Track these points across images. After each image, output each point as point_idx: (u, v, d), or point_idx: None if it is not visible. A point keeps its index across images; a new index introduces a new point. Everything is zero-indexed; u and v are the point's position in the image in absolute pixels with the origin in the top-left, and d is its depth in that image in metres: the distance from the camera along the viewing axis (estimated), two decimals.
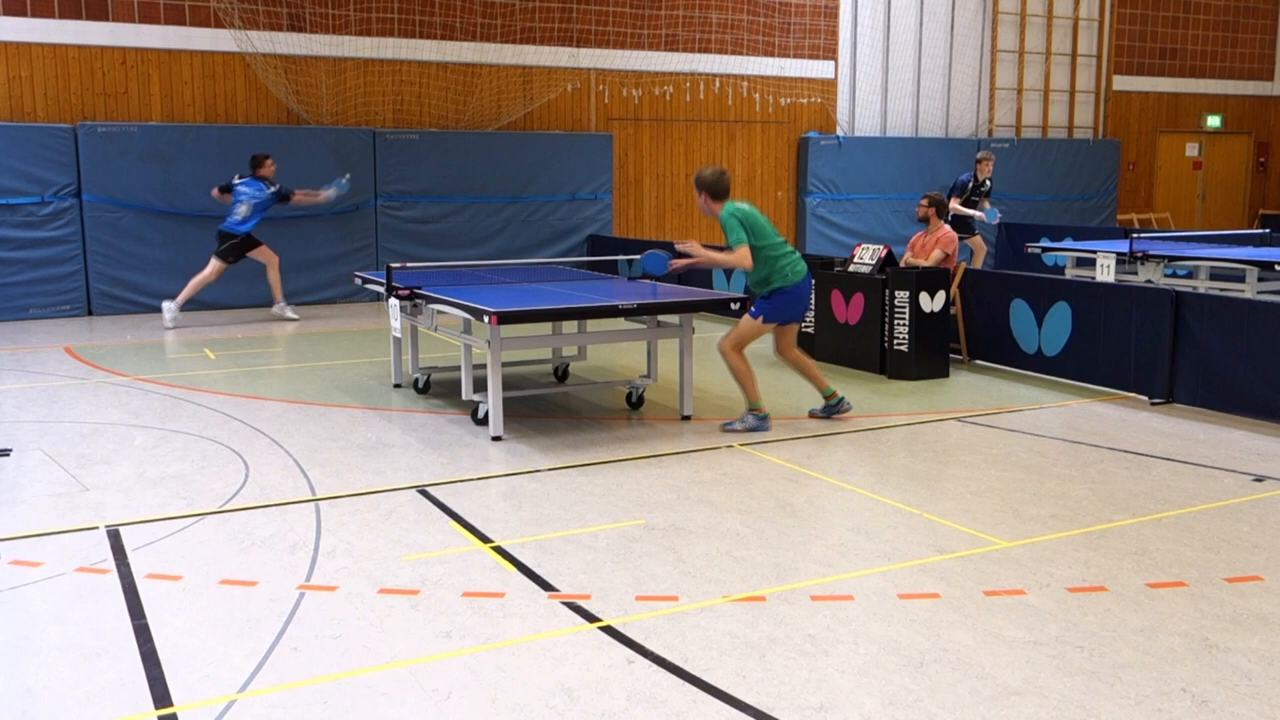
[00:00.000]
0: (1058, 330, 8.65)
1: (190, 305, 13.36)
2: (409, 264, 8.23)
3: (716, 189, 7.06)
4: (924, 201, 10.01)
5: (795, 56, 17.49)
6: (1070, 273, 12.46)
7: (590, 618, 4.16)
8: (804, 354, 7.49)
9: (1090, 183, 19.89)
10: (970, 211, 12.81)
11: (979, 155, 13.20)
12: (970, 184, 13.03)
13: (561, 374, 8.93)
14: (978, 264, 13.04)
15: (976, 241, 13.10)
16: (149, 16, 13.35)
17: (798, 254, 7.18)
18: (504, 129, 15.31)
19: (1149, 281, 11.09)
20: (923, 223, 10.03)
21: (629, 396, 8.00)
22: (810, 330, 9.82)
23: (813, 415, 7.56)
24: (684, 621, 4.11)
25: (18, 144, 12.40)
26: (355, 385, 8.70)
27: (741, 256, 6.89)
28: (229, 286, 13.57)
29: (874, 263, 9.32)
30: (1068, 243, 13.90)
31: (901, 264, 9.59)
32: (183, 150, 13.20)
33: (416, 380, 8.41)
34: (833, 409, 7.46)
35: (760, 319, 7.12)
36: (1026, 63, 19.50)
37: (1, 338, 11.27)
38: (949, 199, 12.58)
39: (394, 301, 7.72)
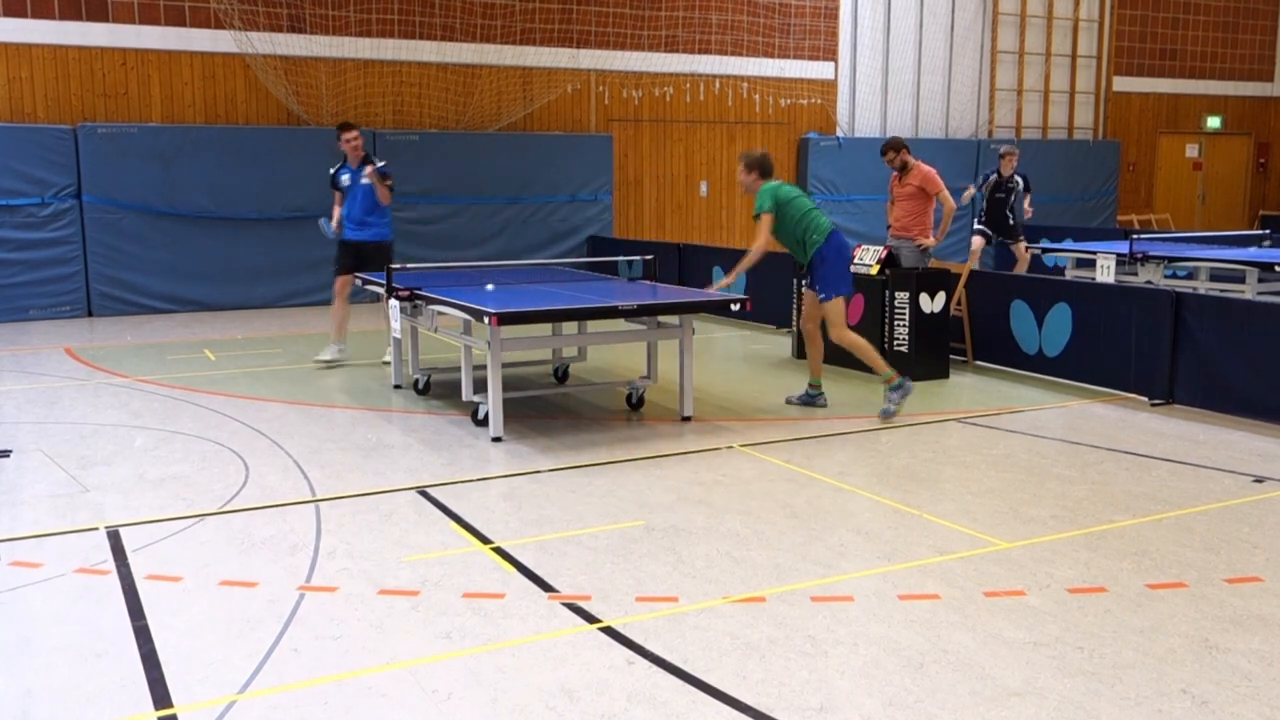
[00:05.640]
0: (1058, 331, 8.65)
1: (190, 305, 13.38)
2: (409, 264, 8.23)
3: (764, 167, 7.77)
4: (890, 154, 9.90)
5: (795, 57, 17.49)
6: (1070, 274, 12.44)
7: (590, 618, 4.16)
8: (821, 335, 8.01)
9: (1090, 183, 19.89)
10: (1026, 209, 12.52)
11: (1002, 150, 12.52)
12: (994, 180, 12.44)
13: (561, 375, 8.93)
14: (1022, 269, 12.62)
15: (1018, 249, 12.63)
16: (149, 17, 13.35)
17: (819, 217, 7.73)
18: (504, 130, 15.31)
19: (1149, 282, 11.08)
20: (899, 170, 9.96)
21: (629, 397, 7.99)
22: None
23: (790, 402, 8.11)
24: (684, 622, 4.11)
25: (18, 145, 12.40)
26: (355, 386, 8.70)
27: (759, 236, 7.57)
28: (229, 286, 13.59)
29: (874, 263, 9.32)
30: (1068, 244, 13.88)
31: (888, 212, 9.95)
32: (182, 151, 13.20)
33: (416, 381, 8.41)
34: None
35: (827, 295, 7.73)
36: (1026, 63, 19.51)
37: (1, 339, 11.27)
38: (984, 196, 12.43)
39: (394, 302, 7.72)
